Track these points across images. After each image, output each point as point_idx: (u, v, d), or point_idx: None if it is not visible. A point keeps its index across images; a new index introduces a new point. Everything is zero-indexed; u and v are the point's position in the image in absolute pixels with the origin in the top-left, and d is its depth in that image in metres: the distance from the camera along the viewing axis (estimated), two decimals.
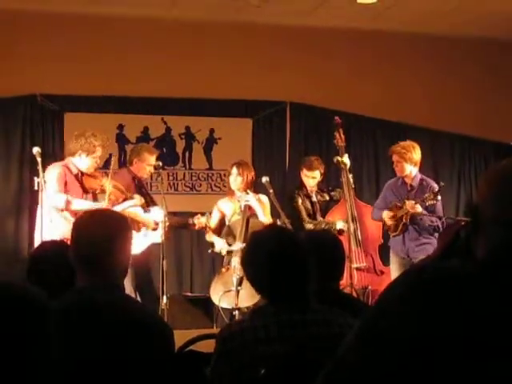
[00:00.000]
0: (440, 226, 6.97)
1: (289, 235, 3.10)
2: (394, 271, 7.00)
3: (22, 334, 1.70)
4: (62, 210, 6.45)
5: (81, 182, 6.74)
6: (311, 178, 7.42)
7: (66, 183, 6.59)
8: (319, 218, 7.40)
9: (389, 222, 7.10)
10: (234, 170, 7.01)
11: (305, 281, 2.91)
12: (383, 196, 7.40)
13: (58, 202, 6.42)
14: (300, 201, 7.43)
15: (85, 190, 6.77)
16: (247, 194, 6.98)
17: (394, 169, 7.29)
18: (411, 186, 7.13)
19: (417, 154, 7.08)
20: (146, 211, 6.99)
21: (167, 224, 6.79)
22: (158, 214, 6.97)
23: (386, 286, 1.60)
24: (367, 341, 1.53)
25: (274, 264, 2.89)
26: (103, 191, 6.77)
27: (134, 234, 6.73)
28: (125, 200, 6.92)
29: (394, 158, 7.18)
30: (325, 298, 3.01)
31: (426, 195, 6.88)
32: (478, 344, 1.44)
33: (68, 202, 6.43)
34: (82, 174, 6.75)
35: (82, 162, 6.70)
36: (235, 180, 7.00)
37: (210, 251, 7.18)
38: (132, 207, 6.85)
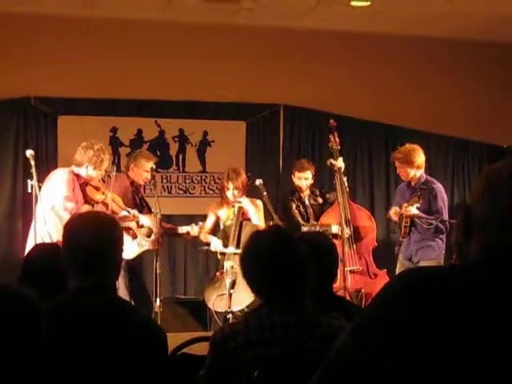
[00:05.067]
0: (442, 227, 7.00)
1: (287, 236, 3.09)
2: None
3: (15, 334, 1.70)
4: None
5: (84, 192, 6.70)
6: (304, 180, 7.48)
7: (72, 189, 6.56)
8: (313, 222, 7.41)
9: (395, 218, 7.16)
10: (230, 185, 7.02)
11: (301, 282, 2.91)
12: (395, 200, 7.51)
13: (67, 208, 6.36)
14: (294, 206, 7.48)
15: (86, 201, 6.71)
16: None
17: (399, 174, 7.34)
18: (413, 188, 7.16)
19: (419, 157, 7.11)
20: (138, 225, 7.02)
21: (160, 231, 6.80)
22: (146, 222, 7.01)
23: (382, 286, 1.61)
24: (362, 339, 1.53)
25: (270, 263, 2.89)
26: (104, 204, 6.73)
27: (130, 240, 6.80)
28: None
29: (396, 164, 7.24)
30: (318, 300, 3.01)
31: (413, 198, 6.93)
32: (469, 341, 1.44)
33: (73, 211, 6.34)
34: (86, 184, 6.72)
35: (89, 173, 6.66)
36: (233, 193, 7.02)
37: (204, 248, 7.19)
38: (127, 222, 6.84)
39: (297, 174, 7.52)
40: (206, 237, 7.21)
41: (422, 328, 1.46)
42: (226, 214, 7.18)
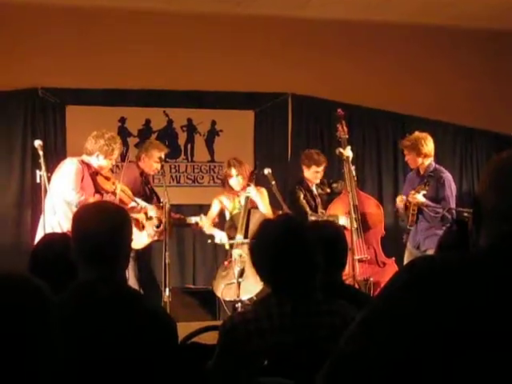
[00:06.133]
0: (449, 216, 6.98)
1: (297, 225, 3.09)
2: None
3: (24, 325, 1.70)
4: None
5: (94, 182, 6.69)
6: (322, 172, 7.49)
7: (82, 179, 6.55)
8: (321, 211, 7.41)
9: (400, 205, 7.15)
10: (234, 172, 7.02)
11: (310, 271, 2.91)
12: (404, 189, 7.51)
13: (75, 200, 6.33)
14: (302, 195, 7.46)
15: (96, 190, 6.70)
16: (248, 186, 7.02)
17: (407, 162, 7.36)
18: (422, 176, 7.16)
19: (426, 145, 7.12)
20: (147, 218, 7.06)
21: (169, 221, 6.81)
22: (155, 213, 7.03)
23: (391, 277, 1.61)
24: (370, 331, 1.53)
25: (279, 252, 2.89)
26: (114, 194, 6.72)
27: (138, 232, 6.81)
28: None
29: (405, 151, 7.28)
30: (328, 289, 3.01)
31: (420, 185, 6.94)
32: (478, 333, 1.44)
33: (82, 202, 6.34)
34: (97, 173, 6.72)
35: (99, 162, 6.65)
36: (237, 180, 7.03)
37: (209, 242, 7.22)
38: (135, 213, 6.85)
39: (314, 167, 7.46)
40: (209, 229, 7.22)
41: (429, 319, 1.46)
42: (231, 204, 7.18)
